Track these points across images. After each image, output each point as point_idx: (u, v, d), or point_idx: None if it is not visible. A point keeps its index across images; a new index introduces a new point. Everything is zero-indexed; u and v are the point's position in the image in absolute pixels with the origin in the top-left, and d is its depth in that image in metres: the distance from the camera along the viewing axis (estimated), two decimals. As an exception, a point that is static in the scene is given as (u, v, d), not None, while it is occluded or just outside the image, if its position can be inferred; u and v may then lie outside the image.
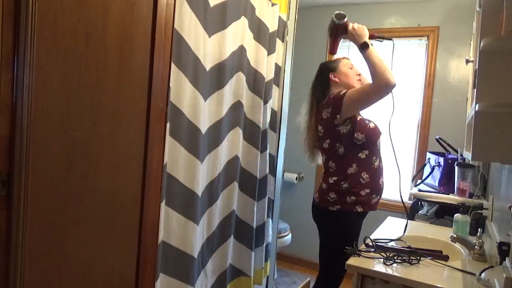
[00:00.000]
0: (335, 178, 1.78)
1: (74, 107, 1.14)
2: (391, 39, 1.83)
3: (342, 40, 1.87)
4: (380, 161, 1.84)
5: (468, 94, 2.06)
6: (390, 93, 1.67)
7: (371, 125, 1.78)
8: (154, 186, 1.47)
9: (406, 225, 1.79)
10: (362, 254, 1.48)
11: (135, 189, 1.40)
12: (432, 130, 2.94)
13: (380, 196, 1.85)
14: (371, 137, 1.76)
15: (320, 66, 1.95)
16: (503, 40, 0.96)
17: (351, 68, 1.87)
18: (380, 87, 1.65)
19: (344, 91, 1.72)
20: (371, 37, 1.79)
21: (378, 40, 1.84)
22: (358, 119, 1.76)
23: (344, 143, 1.75)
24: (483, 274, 1.32)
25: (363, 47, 1.71)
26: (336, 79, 1.84)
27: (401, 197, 1.84)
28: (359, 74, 1.88)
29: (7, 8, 0.98)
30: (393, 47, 1.81)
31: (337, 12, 1.77)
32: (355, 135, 1.73)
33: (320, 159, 1.95)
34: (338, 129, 1.74)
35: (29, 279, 1.07)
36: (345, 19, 1.77)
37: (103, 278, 1.31)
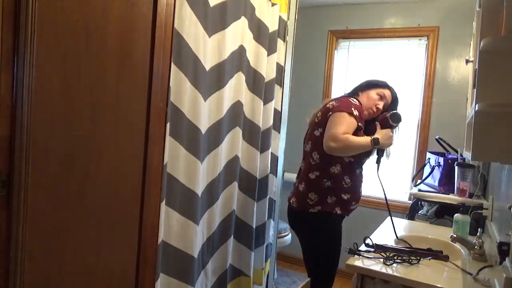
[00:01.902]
0: (317, 173, 1.77)
1: (74, 107, 1.14)
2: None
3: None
4: (361, 172, 1.86)
5: (468, 94, 2.05)
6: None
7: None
8: (154, 186, 1.47)
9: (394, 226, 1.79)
10: (362, 254, 1.48)
11: (135, 189, 1.40)
12: (432, 130, 2.94)
13: (357, 205, 1.86)
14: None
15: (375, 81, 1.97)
16: (503, 40, 0.96)
17: (378, 95, 1.87)
18: (330, 142, 1.67)
19: (351, 108, 1.72)
20: (381, 151, 1.82)
21: (378, 157, 1.85)
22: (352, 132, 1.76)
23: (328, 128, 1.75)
24: (480, 274, 1.32)
25: (375, 143, 1.72)
26: (360, 93, 1.89)
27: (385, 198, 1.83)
28: (377, 105, 1.86)
29: (7, 8, 0.98)
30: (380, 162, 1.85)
31: (397, 113, 1.80)
32: None
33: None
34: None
35: (29, 279, 1.07)
36: (400, 123, 1.82)
37: (103, 278, 1.31)
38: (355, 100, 1.78)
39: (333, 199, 1.74)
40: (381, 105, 1.87)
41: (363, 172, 1.87)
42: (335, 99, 1.83)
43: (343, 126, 1.67)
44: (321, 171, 1.76)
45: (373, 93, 1.87)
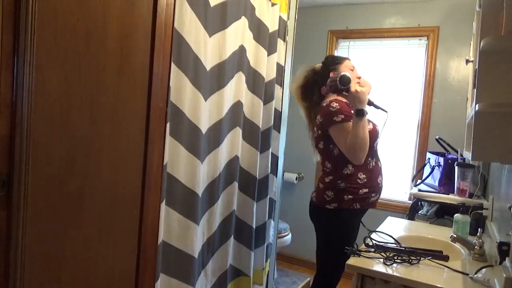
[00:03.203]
0: (331, 177, 1.80)
1: (74, 107, 1.14)
2: (386, 111, 1.81)
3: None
4: (377, 161, 1.85)
5: (468, 94, 2.05)
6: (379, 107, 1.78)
7: (369, 126, 1.78)
8: (154, 186, 1.47)
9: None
10: (362, 254, 1.48)
11: (135, 189, 1.40)
12: (432, 130, 2.94)
13: (379, 194, 1.86)
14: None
15: (325, 58, 1.97)
16: (503, 40, 0.96)
17: (352, 70, 1.86)
18: (348, 156, 1.71)
19: (340, 118, 1.71)
20: (369, 103, 1.77)
21: (374, 107, 1.81)
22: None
23: (337, 146, 1.77)
24: (478, 274, 1.32)
25: (359, 114, 1.68)
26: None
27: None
28: (359, 77, 1.87)
29: (7, 8, 0.98)
30: (386, 119, 1.81)
31: (342, 74, 1.72)
32: None
33: (318, 156, 1.97)
34: (329, 134, 1.77)
35: (29, 279, 1.07)
36: (350, 85, 1.72)
37: (103, 278, 1.31)
38: (332, 104, 1.76)
39: (349, 197, 1.76)
40: (357, 74, 1.87)
41: (379, 162, 1.86)
42: (320, 114, 1.81)
43: (343, 138, 1.71)
44: (334, 175, 1.80)
45: (346, 70, 1.84)
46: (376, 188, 1.82)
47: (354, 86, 1.71)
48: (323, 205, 1.80)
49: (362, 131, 1.67)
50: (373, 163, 1.82)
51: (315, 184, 3.38)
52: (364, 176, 1.77)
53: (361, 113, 1.68)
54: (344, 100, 1.79)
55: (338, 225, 1.79)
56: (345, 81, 1.71)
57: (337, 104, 1.75)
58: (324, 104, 1.80)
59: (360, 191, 1.76)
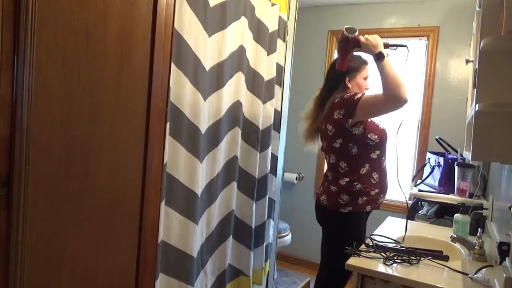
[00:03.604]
0: (347, 179, 1.76)
1: (74, 107, 1.14)
2: (405, 46, 1.75)
3: (352, 53, 1.78)
4: (385, 162, 1.86)
5: (468, 94, 2.05)
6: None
7: (381, 126, 1.79)
8: (154, 186, 1.47)
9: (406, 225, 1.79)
10: (362, 254, 1.48)
11: (135, 189, 1.40)
12: (432, 130, 2.94)
13: (385, 195, 1.87)
14: (383, 137, 1.78)
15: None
16: (503, 40, 0.96)
17: (365, 79, 1.86)
18: (392, 102, 1.59)
19: (359, 95, 1.69)
20: (385, 46, 1.71)
21: (392, 48, 1.76)
22: (369, 120, 1.76)
23: (358, 143, 1.74)
24: (478, 274, 1.32)
25: (379, 57, 1.64)
26: (349, 85, 1.83)
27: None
28: (367, 89, 1.87)
29: (7, 8, 0.98)
30: (408, 53, 1.74)
31: (347, 26, 1.70)
32: (369, 135, 1.73)
33: (314, 148, 1.95)
34: (350, 130, 1.73)
35: (29, 279, 1.07)
36: (356, 33, 1.70)
37: (103, 278, 1.31)
38: (345, 95, 1.74)
39: (363, 200, 1.75)
40: (367, 84, 1.86)
41: (386, 164, 1.86)
42: (337, 108, 1.77)
43: (373, 98, 1.66)
44: (350, 176, 1.77)
45: (358, 80, 1.84)
46: (384, 189, 1.83)
47: (361, 36, 1.69)
48: (337, 209, 1.77)
49: (391, 71, 1.60)
50: (385, 163, 1.83)
51: (315, 184, 3.38)
52: (378, 176, 1.78)
53: (381, 56, 1.63)
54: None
55: (352, 228, 1.78)
56: (352, 29, 1.68)
57: (349, 91, 1.76)
58: (337, 99, 1.77)
59: (372, 191, 1.77)
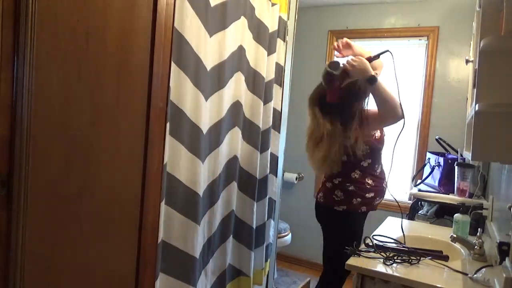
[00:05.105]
0: (340, 179, 1.80)
1: (74, 107, 1.14)
2: (387, 51, 1.74)
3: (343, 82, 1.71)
4: (382, 166, 1.86)
5: (468, 94, 2.05)
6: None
7: (377, 134, 1.79)
8: (154, 186, 1.47)
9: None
10: (362, 254, 1.48)
11: (135, 189, 1.40)
12: (432, 130, 2.94)
13: (383, 198, 1.87)
14: (375, 147, 1.78)
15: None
16: (503, 40, 0.96)
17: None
18: (389, 120, 1.68)
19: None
20: (368, 60, 1.67)
21: (376, 59, 1.75)
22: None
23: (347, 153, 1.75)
24: (478, 274, 1.32)
25: (372, 81, 1.62)
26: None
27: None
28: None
29: (7, 8, 0.98)
30: (392, 57, 1.73)
31: (330, 62, 1.64)
32: (358, 146, 1.73)
33: None
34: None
35: (29, 279, 1.07)
36: (341, 65, 1.63)
37: (103, 278, 1.31)
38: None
39: (358, 200, 1.77)
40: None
41: (384, 168, 1.86)
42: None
43: (372, 115, 1.71)
44: (343, 177, 1.79)
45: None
46: (381, 192, 1.85)
47: (347, 64, 1.65)
48: (332, 206, 1.80)
49: (384, 92, 1.61)
50: (380, 169, 1.84)
51: (315, 184, 3.38)
52: (371, 181, 1.79)
53: (373, 79, 1.61)
54: None
55: (347, 227, 1.80)
56: (335, 65, 1.63)
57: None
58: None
59: (367, 194, 1.78)
